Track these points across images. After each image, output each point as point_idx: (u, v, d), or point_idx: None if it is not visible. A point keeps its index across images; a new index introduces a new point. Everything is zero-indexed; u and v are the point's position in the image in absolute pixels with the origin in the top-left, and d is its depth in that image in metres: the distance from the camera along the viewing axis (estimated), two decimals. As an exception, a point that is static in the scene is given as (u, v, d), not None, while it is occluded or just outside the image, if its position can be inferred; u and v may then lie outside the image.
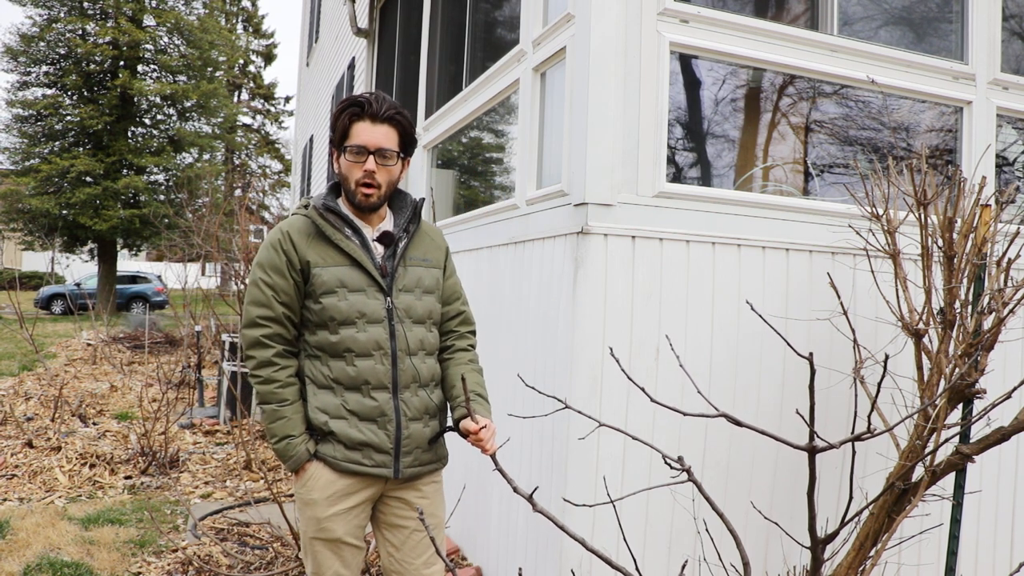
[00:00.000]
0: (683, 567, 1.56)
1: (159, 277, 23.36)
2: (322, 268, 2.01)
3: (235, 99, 34.05)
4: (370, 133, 2.01)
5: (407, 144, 2.09)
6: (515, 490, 1.47)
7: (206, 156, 23.66)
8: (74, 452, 5.31)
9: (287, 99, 35.74)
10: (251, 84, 35.39)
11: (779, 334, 2.03)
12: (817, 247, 2.96)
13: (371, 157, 2.01)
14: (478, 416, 1.99)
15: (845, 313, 2.58)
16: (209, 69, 22.49)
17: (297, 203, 2.17)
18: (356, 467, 2.03)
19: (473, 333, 2.29)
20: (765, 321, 2.11)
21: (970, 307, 2.46)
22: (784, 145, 3.20)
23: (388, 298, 2.04)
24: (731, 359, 2.82)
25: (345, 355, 2.02)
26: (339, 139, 2.06)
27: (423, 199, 2.22)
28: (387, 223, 2.14)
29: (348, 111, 2.03)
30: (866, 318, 2.93)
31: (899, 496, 2.38)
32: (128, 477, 5.12)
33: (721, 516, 1.62)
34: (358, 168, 2.02)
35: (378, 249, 2.08)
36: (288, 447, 2.02)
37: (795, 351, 1.86)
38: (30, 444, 5.53)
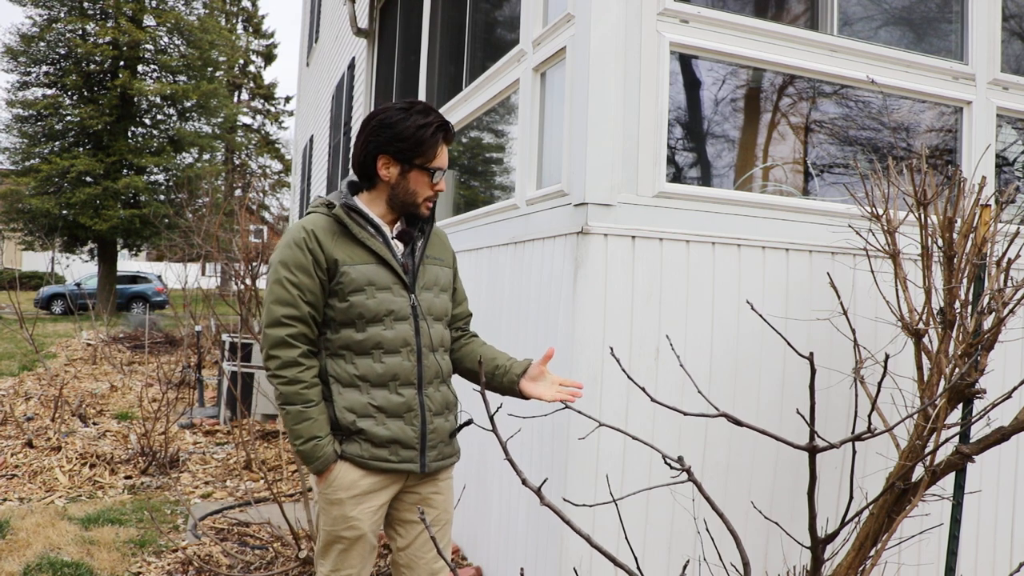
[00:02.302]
0: (684, 567, 1.56)
1: (159, 277, 23.36)
2: (350, 266, 2.02)
3: (235, 99, 34.04)
4: (446, 155, 2.12)
5: None
6: (524, 482, 1.47)
7: (206, 156, 23.66)
8: (74, 452, 5.31)
9: (287, 99, 35.76)
10: (251, 84, 35.40)
11: (779, 334, 2.03)
12: (817, 247, 2.96)
13: (443, 178, 2.12)
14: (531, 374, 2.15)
15: (845, 313, 2.58)
16: (209, 69, 22.49)
17: (315, 201, 2.17)
18: (383, 464, 2.05)
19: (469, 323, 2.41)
20: (765, 321, 2.11)
21: (970, 307, 2.46)
22: (784, 145, 3.20)
23: (412, 295, 2.09)
24: (731, 359, 2.82)
25: (373, 352, 2.04)
26: (419, 156, 2.05)
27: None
28: (402, 222, 2.17)
29: (439, 132, 2.06)
30: (866, 318, 2.93)
31: (899, 496, 2.38)
32: (128, 477, 5.12)
33: (721, 516, 1.62)
34: (429, 187, 2.09)
35: (398, 247, 2.13)
36: (315, 449, 2.01)
37: (795, 351, 1.86)
38: (30, 444, 5.53)
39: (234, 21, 34.74)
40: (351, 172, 2.18)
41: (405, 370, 2.05)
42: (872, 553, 2.35)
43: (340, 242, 2.04)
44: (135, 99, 21.16)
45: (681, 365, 2.07)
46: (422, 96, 5.17)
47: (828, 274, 2.68)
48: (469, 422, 2.19)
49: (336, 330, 2.06)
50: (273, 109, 35.77)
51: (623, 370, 1.96)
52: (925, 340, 2.51)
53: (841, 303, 2.58)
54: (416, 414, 2.07)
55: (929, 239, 2.54)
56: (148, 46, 21.40)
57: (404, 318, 2.06)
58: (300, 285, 2.01)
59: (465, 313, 2.33)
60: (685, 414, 1.82)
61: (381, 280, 2.04)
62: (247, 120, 35.07)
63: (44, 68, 20.93)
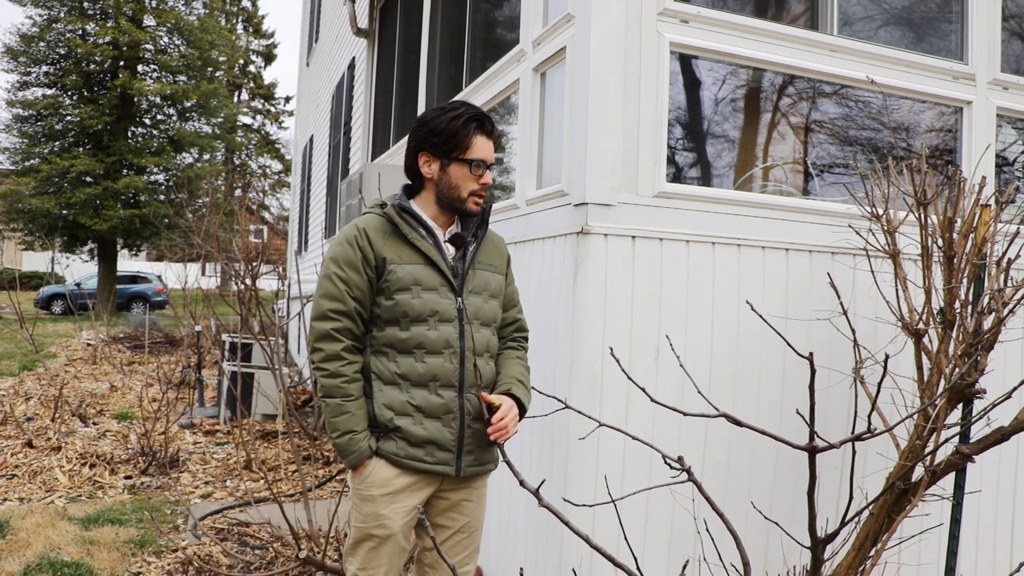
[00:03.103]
0: (684, 567, 1.56)
1: (159, 277, 23.35)
2: (397, 265, 2.05)
3: (235, 99, 34.03)
4: (487, 148, 2.10)
5: None
6: (522, 483, 1.47)
7: (206, 156, 23.66)
8: (74, 452, 5.31)
9: (287, 99, 35.75)
10: (251, 84, 35.38)
11: (779, 334, 2.04)
12: (817, 247, 2.95)
13: (488, 171, 2.10)
14: (496, 396, 2.08)
15: (845, 313, 2.58)
16: (209, 69, 22.48)
17: (371, 202, 2.22)
18: (418, 464, 2.06)
19: (526, 339, 2.35)
20: (765, 321, 2.12)
21: (970, 307, 2.46)
22: (784, 145, 3.20)
23: (459, 298, 2.09)
24: (731, 359, 2.82)
25: (415, 351, 2.05)
26: (455, 148, 2.08)
27: (491, 205, 2.26)
28: (456, 226, 2.18)
29: (472, 123, 2.08)
30: (866, 318, 2.93)
31: (899, 496, 2.38)
32: (128, 477, 5.12)
33: (721, 516, 1.62)
34: (474, 180, 2.09)
35: (449, 250, 2.14)
36: (351, 442, 2.04)
37: (795, 351, 1.86)
38: (30, 444, 5.53)
39: (234, 21, 34.73)
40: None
41: (446, 372, 2.06)
42: (872, 553, 2.35)
43: (390, 241, 2.08)
44: (135, 99, 21.15)
45: (681, 365, 2.08)
46: (422, 96, 5.17)
47: (828, 274, 2.68)
48: None
49: (381, 328, 2.08)
50: (273, 109, 35.76)
51: (623, 370, 1.96)
52: (925, 340, 2.51)
53: (841, 303, 2.58)
54: (455, 416, 2.07)
55: (929, 239, 2.54)
56: (148, 46, 21.39)
57: (449, 320, 2.07)
58: (348, 281, 2.05)
59: (511, 319, 2.29)
60: (685, 414, 1.82)
61: (428, 280, 2.06)
62: (247, 120, 35.06)
63: (44, 68, 20.92)
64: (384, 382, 2.07)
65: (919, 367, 2.51)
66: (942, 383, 2.42)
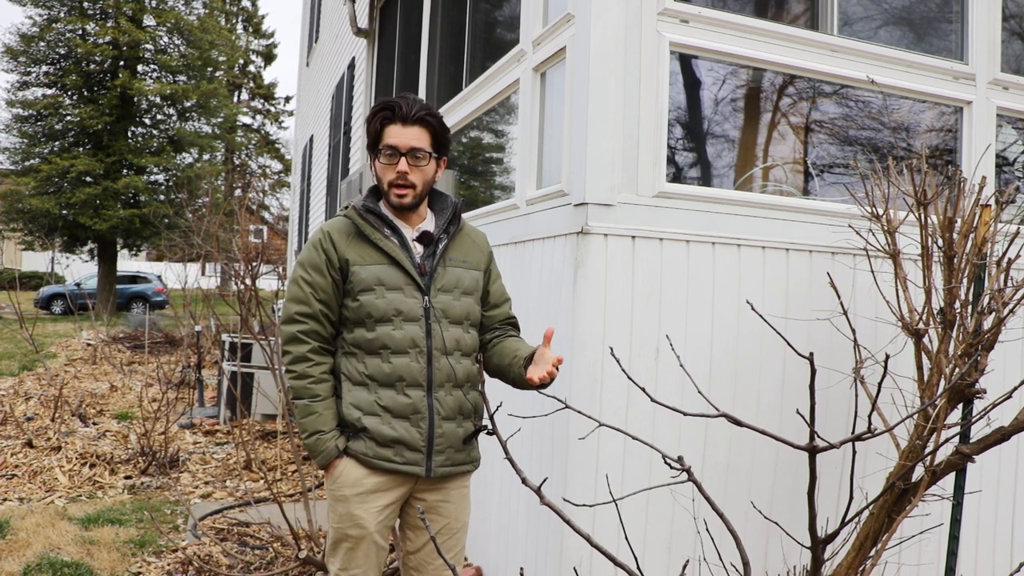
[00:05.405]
0: (684, 567, 1.56)
1: (159, 277, 23.36)
2: (360, 266, 2.05)
3: (235, 99, 34.03)
4: (401, 135, 2.05)
5: (440, 144, 2.12)
6: (524, 481, 1.47)
7: (206, 156, 23.66)
8: (74, 452, 5.31)
9: (287, 99, 35.75)
10: (251, 84, 35.39)
11: (779, 334, 2.03)
12: (817, 247, 2.95)
13: (403, 159, 2.05)
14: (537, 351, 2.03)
15: (845, 313, 2.58)
16: (209, 69, 22.48)
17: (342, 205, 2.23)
18: (387, 464, 2.05)
19: (518, 330, 2.34)
20: (765, 321, 2.11)
21: (970, 307, 2.46)
22: (784, 145, 3.20)
23: (426, 297, 2.08)
24: (731, 359, 2.82)
25: (381, 352, 2.05)
26: (372, 142, 2.10)
27: (463, 200, 2.24)
28: (427, 223, 2.17)
29: (379, 115, 2.07)
30: (866, 318, 2.93)
31: (899, 496, 2.38)
32: (128, 477, 5.12)
33: (721, 516, 1.62)
34: (391, 170, 2.06)
35: (418, 249, 2.12)
36: (317, 442, 2.05)
37: (795, 351, 1.86)
38: (30, 444, 5.53)
39: (234, 21, 34.72)
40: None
41: (413, 371, 2.05)
42: (872, 553, 2.35)
43: (353, 242, 2.08)
44: (135, 99, 21.14)
45: (681, 365, 2.07)
46: (422, 96, 5.17)
47: (828, 274, 2.68)
48: (482, 429, 2.16)
49: (351, 329, 2.09)
50: (273, 109, 35.76)
51: (623, 370, 1.96)
52: (925, 340, 2.51)
53: (841, 303, 2.58)
54: (423, 416, 2.06)
55: (929, 239, 2.54)
56: (148, 46, 21.38)
57: (415, 319, 2.05)
58: (313, 283, 2.06)
59: (502, 316, 2.27)
60: (685, 414, 1.82)
61: (392, 280, 2.05)
62: (247, 120, 35.06)
63: (44, 68, 20.91)
64: (353, 383, 2.07)
65: (919, 367, 2.51)
66: (942, 383, 2.42)
